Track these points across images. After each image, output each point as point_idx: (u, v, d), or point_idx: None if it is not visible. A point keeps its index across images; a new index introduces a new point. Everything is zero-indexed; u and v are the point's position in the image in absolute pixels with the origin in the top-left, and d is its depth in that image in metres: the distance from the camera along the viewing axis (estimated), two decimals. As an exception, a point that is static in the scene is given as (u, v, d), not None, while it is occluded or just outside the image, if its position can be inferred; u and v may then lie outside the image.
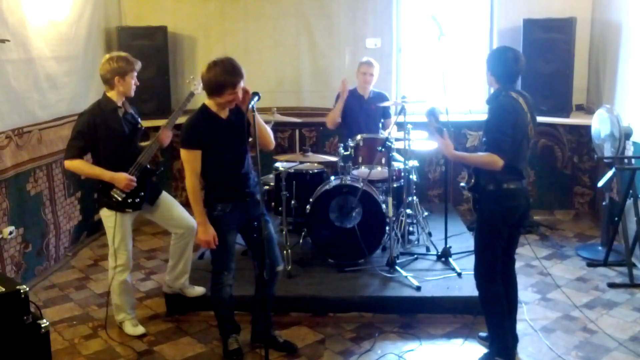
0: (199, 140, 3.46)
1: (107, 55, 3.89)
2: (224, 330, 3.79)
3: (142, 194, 3.93)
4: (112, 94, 3.87)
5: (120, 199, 3.84)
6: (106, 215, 3.90)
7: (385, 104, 5.43)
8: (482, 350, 3.74)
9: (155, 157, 4.09)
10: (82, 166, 3.85)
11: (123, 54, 3.92)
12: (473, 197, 3.63)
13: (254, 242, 3.67)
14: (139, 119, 4.06)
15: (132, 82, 3.89)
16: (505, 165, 3.35)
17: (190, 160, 3.48)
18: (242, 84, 3.43)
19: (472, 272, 3.65)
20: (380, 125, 5.31)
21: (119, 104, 3.89)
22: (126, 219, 3.93)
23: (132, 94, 3.94)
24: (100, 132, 3.80)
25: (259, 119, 3.48)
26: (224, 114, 3.54)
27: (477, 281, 3.61)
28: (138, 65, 3.92)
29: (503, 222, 3.48)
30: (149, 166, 3.99)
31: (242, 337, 3.84)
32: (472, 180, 3.56)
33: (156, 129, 4.21)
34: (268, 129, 3.61)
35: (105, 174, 3.81)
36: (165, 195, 4.17)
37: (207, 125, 3.48)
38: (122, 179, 3.80)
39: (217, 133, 3.49)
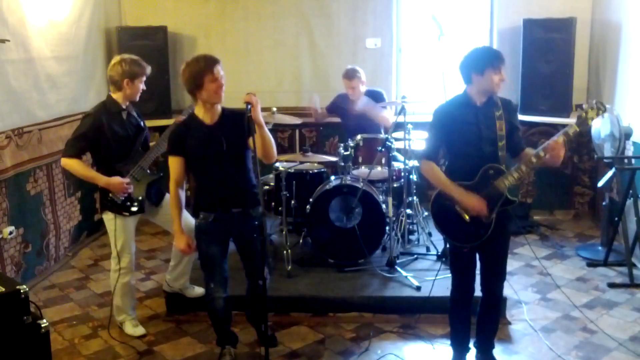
0: (179, 147, 3.37)
1: (119, 57, 3.82)
2: (218, 340, 3.69)
3: (140, 198, 3.90)
4: (117, 96, 3.82)
5: (118, 202, 3.82)
6: (109, 218, 3.87)
7: (382, 104, 5.42)
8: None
9: (156, 159, 4.06)
10: (78, 167, 3.75)
11: (135, 57, 3.84)
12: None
13: (242, 255, 3.59)
14: (143, 122, 4.01)
15: (140, 86, 3.84)
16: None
17: (171, 166, 3.41)
18: (220, 69, 3.26)
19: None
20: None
21: (124, 106, 3.85)
22: (129, 223, 3.91)
23: (137, 98, 3.90)
24: (104, 134, 3.75)
25: (266, 130, 3.28)
26: (209, 119, 3.36)
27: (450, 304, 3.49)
28: (148, 70, 3.87)
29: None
30: (149, 171, 3.98)
31: (243, 338, 3.85)
32: None
33: (156, 129, 4.20)
34: (272, 140, 3.32)
35: (100, 179, 3.76)
36: (168, 197, 4.15)
37: (188, 132, 3.36)
38: (117, 183, 3.75)
39: (199, 139, 3.34)
